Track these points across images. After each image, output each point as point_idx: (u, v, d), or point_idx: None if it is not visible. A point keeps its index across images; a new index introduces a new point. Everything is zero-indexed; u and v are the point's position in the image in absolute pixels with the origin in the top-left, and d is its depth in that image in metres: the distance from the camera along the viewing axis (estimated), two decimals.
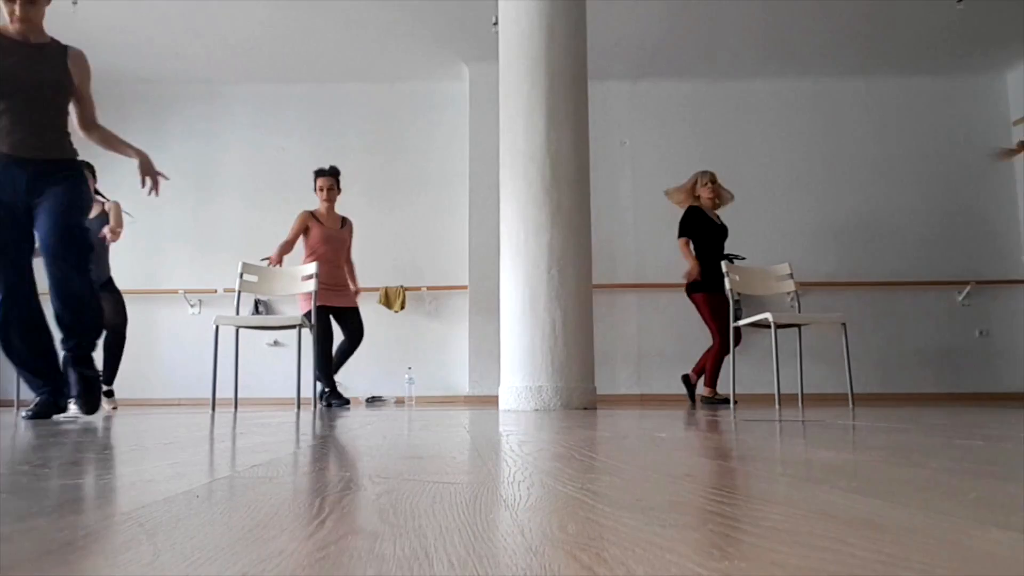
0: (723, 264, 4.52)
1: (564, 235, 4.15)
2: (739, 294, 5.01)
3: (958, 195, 6.76)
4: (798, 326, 4.42)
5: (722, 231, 5.19)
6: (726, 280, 4.44)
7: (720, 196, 5.19)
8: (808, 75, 6.79)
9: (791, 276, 4.69)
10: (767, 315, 4.16)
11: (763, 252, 5.18)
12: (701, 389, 5.10)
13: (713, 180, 5.20)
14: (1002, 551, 0.44)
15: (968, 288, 6.42)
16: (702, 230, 5.13)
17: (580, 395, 4.08)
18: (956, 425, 1.95)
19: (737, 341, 4.79)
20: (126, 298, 6.69)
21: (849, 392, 4.16)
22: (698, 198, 5.19)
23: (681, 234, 5.10)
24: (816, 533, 0.49)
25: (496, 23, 4.67)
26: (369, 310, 6.70)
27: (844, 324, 4.26)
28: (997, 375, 6.51)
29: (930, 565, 0.40)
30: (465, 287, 6.59)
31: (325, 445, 1.40)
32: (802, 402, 4.26)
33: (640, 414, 3.14)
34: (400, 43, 6.45)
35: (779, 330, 4.30)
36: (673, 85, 6.97)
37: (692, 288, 5.03)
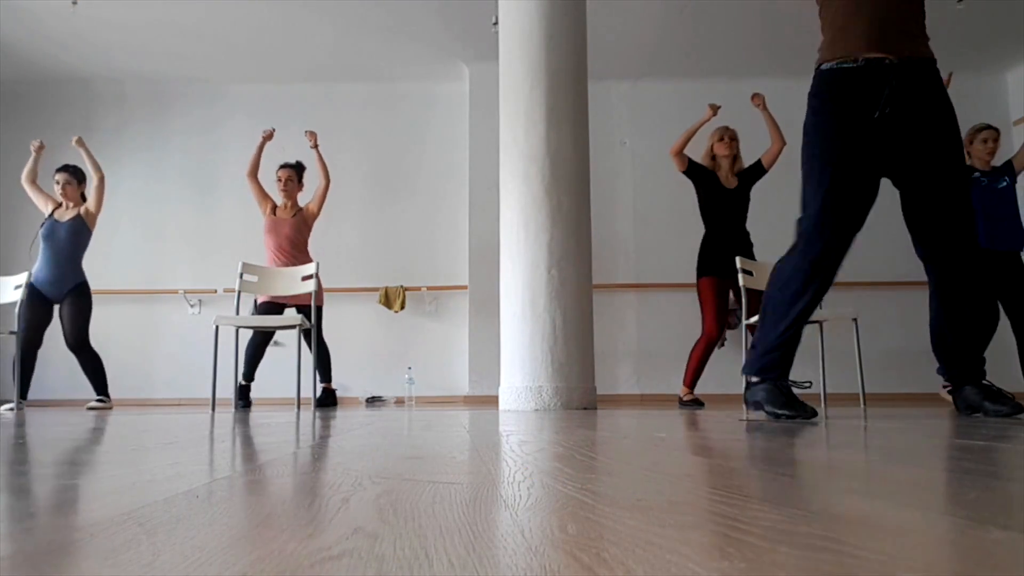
0: (737, 259, 4.29)
1: (564, 235, 4.15)
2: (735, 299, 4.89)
3: None
4: (816, 323, 4.33)
5: (738, 198, 4.75)
6: (739, 277, 4.25)
7: (738, 156, 4.78)
8: (808, 75, 6.78)
9: None
10: None
11: (768, 253, 5.16)
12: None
13: (732, 137, 4.76)
14: (1002, 551, 0.44)
15: None
16: (708, 195, 4.75)
17: (580, 395, 4.08)
18: (956, 425, 1.95)
19: (722, 341, 4.72)
20: (126, 298, 6.71)
21: (860, 391, 4.11)
22: (714, 158, 4.80)
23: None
24: (816, 533, 0.49)
25: (496, 23, 4.67)
26: (369, 310, 6.71)
27: (856, 320, 4.15)
28: (1001, 374, 6.50)
29: (930, 565, 0.40)
30: (465, 287, 6.59)
31: (325, 445, 1.40)
32: (825, 402, 4.22)
33: (640, 414, 3.14)
34: (400, 43, 6.45)
35: None
36: (673, 85, 6.97)
37: (698, 272, 4.76)
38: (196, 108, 7.08)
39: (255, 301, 5.10)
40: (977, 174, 4.79)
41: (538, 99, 4.24)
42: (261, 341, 4.98)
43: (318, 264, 4.71)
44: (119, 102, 7.07)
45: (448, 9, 5.91)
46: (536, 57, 4.28)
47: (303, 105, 6.95)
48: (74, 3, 5.48)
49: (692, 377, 4.76)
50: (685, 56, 6.64)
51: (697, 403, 4.72)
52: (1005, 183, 4.80)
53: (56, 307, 5.02)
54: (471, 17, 5.92)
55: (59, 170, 5.12)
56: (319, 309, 4.98)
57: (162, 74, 6.92)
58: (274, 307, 4.95)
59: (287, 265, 4.95)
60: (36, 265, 5.01)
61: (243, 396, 4.85)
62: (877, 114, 2.45)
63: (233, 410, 4.20)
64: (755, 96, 4.96)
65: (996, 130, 4.89)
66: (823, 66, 2.58)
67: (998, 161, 4.95)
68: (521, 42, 4.33)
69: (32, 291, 4.92)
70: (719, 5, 5.87)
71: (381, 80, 7.04)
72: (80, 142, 5.12)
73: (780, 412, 2.40)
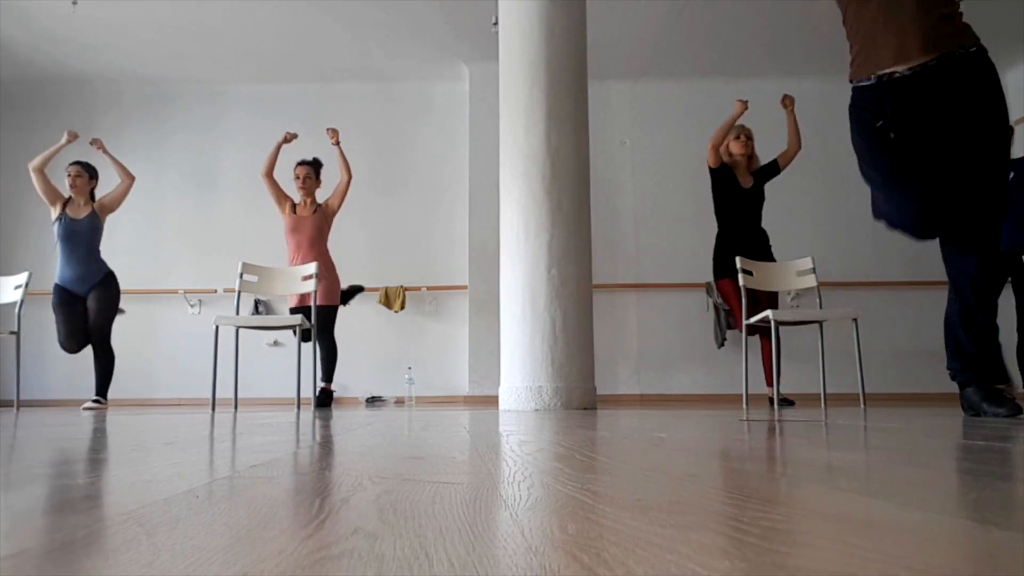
0: (737, 259, 4.29)
1: (564, 235, 4.15)
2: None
3: None
4: (817, 323, 4.33)
5: (754, 197, 4.77)
6: (739, 277, 4.25)
7: (754, 155, 4.80)
8: (809, 75, 6.79)
9: (814, 271, 4.44)
10: (767, 313, 4.13)
11: (781, 253, 5.15)
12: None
13: (748, 136, 4.78)
14: (1002, 551, 0.44)
15: None
16: (726, 194, 4.76)
17: (580, 395, 4.07)
18: (957, 425, 1.96)
19: (721, 341, 4.70)
20: (126, 298, 6.69)
21: (860, 391, 4.11)
22: (730, 155, 4.80)
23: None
24: (816, 533, 0.49)
25: (496, 23, 4.67)
26: (369, 310, 6.71)
27: (856, 320, 4.13)
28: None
29: (930, 565, 0.40)
30: (465, 287, 6.59)
31: (325, 445, 1.40)
32: (825, 402, 4.23)
33: (640, 414, 3.14)
34: (400, 43, 6.45)
35: (781, 330, 4.25)
36: (673, 85, 6.97)
37: (716, 273, 4.72)
38: (195, 108, 7.08)
39: (255, 302, 5.11)
40: None
41: (538, 99, 4.24)
42: (304, 339, 4.92)
43: (319, 264, 4.71)
44: (118, 102, 7.07)
45: (448, 9, 5.90)
46: (536, 57, 4.28)
47: (303, 105, 6.95)
48: (74, 3, 5.48)
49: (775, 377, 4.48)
50: (686, 56, 6.64)
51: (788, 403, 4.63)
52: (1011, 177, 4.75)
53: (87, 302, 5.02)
54: (471, 17, 5.92)
55: (73, 164, 5.08)
56: (335, 309, 5.02)
57: (161, 74, 6.92)
58: (301, 309, 4.98)
59: (305, 263, 4.95)
60: (59, 266, 4.97)
61: (325, 400, 4.92)
62: (891, 135, 2.46)
63: (313, 411, 4.13)
64: (785, 97, 4.91)
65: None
66: (851, 82, 2.61)
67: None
68: (521, 42, 4.32)
69: (61, 292, 4.92)
70: (720, 5, 5.86)
71: (381, 80, 7.04)
72: (102, 147, 5.11)
73: (992, 410, 2.40)
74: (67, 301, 4.91)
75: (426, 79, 7.04)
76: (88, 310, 4.96)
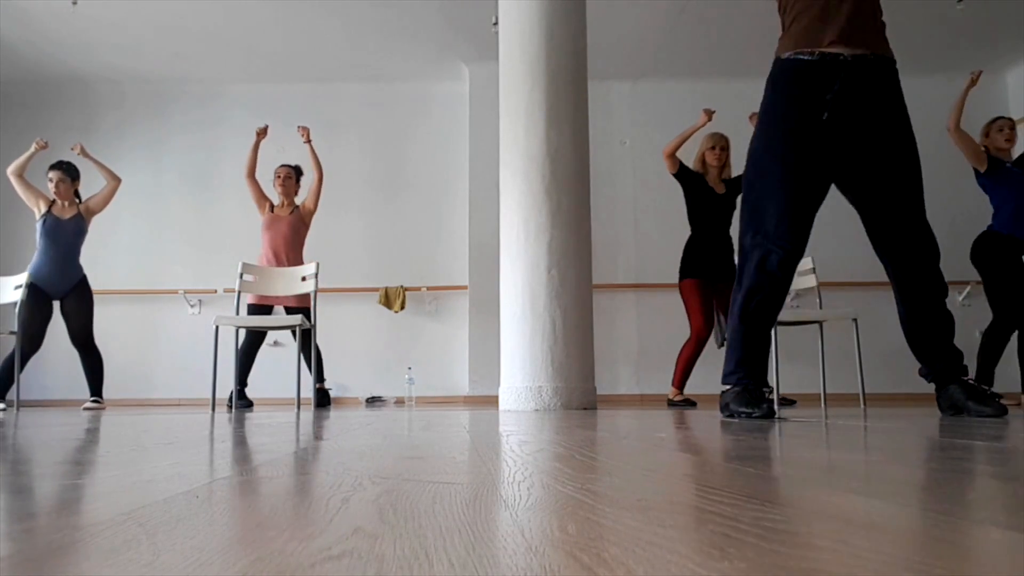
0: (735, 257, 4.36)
1: (564, 235, 4.15)
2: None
3: (958, 196, 6.76)
4: (816, 323, 4.33)
5: (726, 204, 4.80)
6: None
7: (727, 164, 4.83)
8: None
9: (814, 271, 4.46)
10: None
11: None
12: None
13: (723, 147, 4.81)
14: (1002, 551, 0.44)
15: (968, 288, 6.42)
16: (699, 199, 4.78)
17: (580, 395, 4.07)
18: (956, 425, 1.96)
19: (721, 340, 4.70)
20: (126, 298, 6.71)
21: (860, 391, 4.11)
22: (703, 163, 4.84)
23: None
24: (816, 533, 0.49)
25: (496, 23, 4.67)
26: (369, 310, 6.71)
27: (856, 320, 4.14)
28: (996, 374, 6.50)
29: (930, 565, 0.40)
30: (465, 287, 6.59)
31: (325, 445, 1.40)
32: (825, 402, 4.24)
33: (640, 414, 3.14)
34: (400, 43, 6.45)
35: (780, 330, 4.25)
36: (673, 85, 6.97)
37: (681, 274, 4.76)
38: (195, 108, 7.08)
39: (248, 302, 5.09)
40: (1009, 164, 4.78)
41: (538, 99, 4.24)
42: (254, 342, 4.95)
43: (318, 264, 4.71)
44: (119, 102, 7.07)
45: (448, 9, 5.91)
46: (536, 57, 4.28)
47: (302, 105, 6.95)
48: (74, 3, 5.48)
49: (681, 378, 4.76)
50: (685, 56, 6.64)
51: (688, 403, 4.72)
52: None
53: (56, 304, 4.99)
54: (471, 17, 5.92)
55: (53, 167, 5.05)
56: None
57: (161, 74, 6.92)
58: (263, 308, 4.94)
59: (281, 265, 4.94)
60: (35, 262, 4.95)
61: (241, 397, 4.84)
62: (825, 115, 2.44)
63: (230, 411, 4.18)
64: (753, 116, 4.94)
65: (1010, 119, 4.88)
66: (783, 55, 2.50)
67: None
68: (521, 42, 4.32)
69: (33, 289, 4.88)
70: (719, 5, 5.87)
71: (381, 80, 7.04)
72: (84, 152, 5.10)
73: (741, 410, 2.43)
74: (40, 301, 4.90)
75: (426, 79, 7.04)
76: (66, 314, 4.95)
